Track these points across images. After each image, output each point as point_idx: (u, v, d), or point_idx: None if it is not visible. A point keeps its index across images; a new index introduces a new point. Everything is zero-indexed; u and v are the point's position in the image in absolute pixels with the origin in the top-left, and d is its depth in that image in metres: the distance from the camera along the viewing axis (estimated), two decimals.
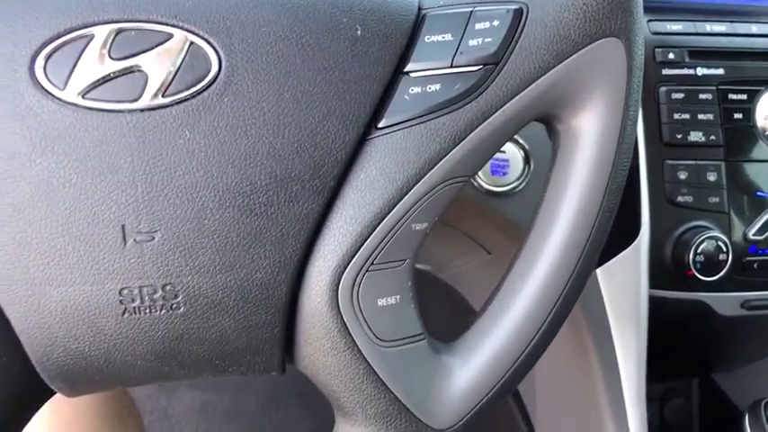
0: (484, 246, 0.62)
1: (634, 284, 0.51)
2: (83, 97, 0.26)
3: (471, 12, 0.29)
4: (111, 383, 0.30)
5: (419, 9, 0.29)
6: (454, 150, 0.29)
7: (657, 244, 0.51)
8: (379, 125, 0.28)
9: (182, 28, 0.26)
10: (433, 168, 0.28)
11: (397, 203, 0.28)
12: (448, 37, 0.29)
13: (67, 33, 0.26)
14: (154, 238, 0.26)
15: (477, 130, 0.29)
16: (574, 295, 0.31)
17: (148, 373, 0.29)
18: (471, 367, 0.30)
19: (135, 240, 0.26)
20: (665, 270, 0.52)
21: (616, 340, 0.52)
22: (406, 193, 0.28)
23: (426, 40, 0.29)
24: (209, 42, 0.26)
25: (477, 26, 0.29)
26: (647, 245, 0.51)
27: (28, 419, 0.30)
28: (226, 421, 1.18)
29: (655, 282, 0.51)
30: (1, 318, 0.26)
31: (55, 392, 0.30)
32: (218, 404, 1.19)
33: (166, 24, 0.26)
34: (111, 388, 0.31)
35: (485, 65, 0.28)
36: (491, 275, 0.65)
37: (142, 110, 0.26)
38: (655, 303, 0.51)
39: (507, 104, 0.29)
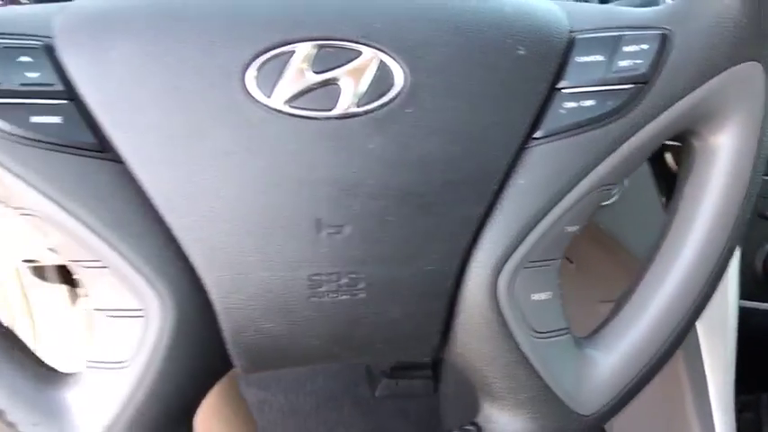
0: (566, 255, 0.65)
1: (723, 294, 0.53)
2: (287, 105, 0.29)
3: (621, 36, 0.32)
4: (286, 362, 0.33)
5: (569, 32, 0.32)
6: (605, 161, 0.31)
7: (748, 256, 0.53)
8: (536, 135, 0.31)
9: (373, 47, 0.30)
10: (585, 177, 0.31)
11: (552, 208, 0.31)
12: (599, 58, 0.32)
13: (275, 48, 0.29)
14: (343, 231, 0.30)
15: (626, 143, 0.31)
16: (708, 296, 0.34)
17: (320, 353, 0.32)
18: (613, 359, 0.33)
19: (327, 233, 0.30)
20: (756, 281, 0.54)
21: (704, 350, 0.53)
22: (561, 199, 0.31)
23: (578, 60, 0.32)
24: (395, 60, 0.30)
25: (626, 49, 0.32)
26: (737, 257, 0.53)
27: (205, 395, 0.33)
28: (281, 419, 1.21)
29: (744, 293, 0.53)
30: (205, 299, 0.30)
31: (229, 370, 0.33)
32: (273, 403, 1.22)
33: (360, 43, 0.29)
34: (283, 367, 0.34)
35: (635, 83, 0.31)
36: (570, 284, 0.68)
37: (337, 117, 0.29)
38: (743, 314, 0.53)
39: (654, 120, 0.32)
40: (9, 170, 0.28)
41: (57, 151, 0.28)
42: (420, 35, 0.30)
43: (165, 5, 0.30)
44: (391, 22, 0.30)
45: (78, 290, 1.01)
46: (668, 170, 0.54)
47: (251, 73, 0.29)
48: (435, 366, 1.18)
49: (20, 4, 0.39)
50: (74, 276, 1.06)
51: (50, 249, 0.30)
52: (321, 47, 0.29)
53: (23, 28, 0.29)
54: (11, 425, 0.29)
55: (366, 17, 0.30)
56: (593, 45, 0.32)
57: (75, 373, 0.31)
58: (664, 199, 0.66)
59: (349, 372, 1.21)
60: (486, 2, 0.32)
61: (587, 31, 0.32)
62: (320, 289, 0.30)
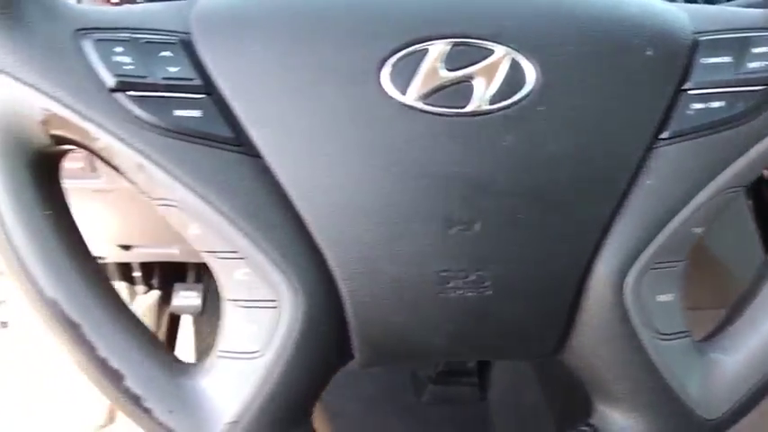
0: None
1: None
2: (421, 102, 0.29)
3: (748, 37, 0.32)
4: (406, 357, 0.33)
5: (693, 33, 0.32)
6: (734, 163, 0.31)
7: None
8: (663, 136, 0.31)
9: (505, 45, 0.30)
10: (714, 178, 0.31)
11: (680, 209, 0.31)
12: (726, 59, 0.31)
13: (410, 46, 0.29)
14: (473, 228, 0.30)
15: (755, 146, 0.31)
16: None
17: (440, 349, 0.32)
18: (737, 361, 0.33)
19: (457, 229, 0.30)
20: None
21: None
22: (689, 201, 0.31)
23: (703, 61, 0.32)
24: (527, 58, 0.30)
25: (755, 50, 0.31)
26: None
27: (324, 387, 0.33)
28: (325, 422, 1.21)
29: None
30: (335, 291, 0.30)
31: (346, 363, 0.34)
32: (318, 406, 1.22)
33: (492, 41, 0.30)
34: (401, 362, 0.34)
35: (766, 85, 0.31)
36: None
37: (470, 115, 0.29)
38: None
39: None
40: (153, 161, 0.29)
41: (197, 143, 0.29)
42: (551, 34, 0.30)
43: (301, 2, 0.30)
44: (523, 22, 0.30)
45: (136, 287, 1.03)
46: None
47: (386, 70, 0.29)
48: (482, 373, 1.17)
49: (135, 2, 0.40)
50: (133, 275, 1.08)
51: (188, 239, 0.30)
52: (454, 45, 0.30)
53: (161, 24, 0.30)
54: (147, 411, 0.30)
55: (498, 16, 0.30)
56: (719, 47, 0.32)
57: (206, 363, 0.32)
58: (750, 201, 0.65)
59: (394, 377, 1.21)
60: (613, 1, 0.32)
61: (711, 32, 0.32)
62: (448, 285, 0.30)
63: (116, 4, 0.40)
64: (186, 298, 0.95)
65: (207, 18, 0.31)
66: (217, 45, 0.30)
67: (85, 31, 0.29)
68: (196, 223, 0.29)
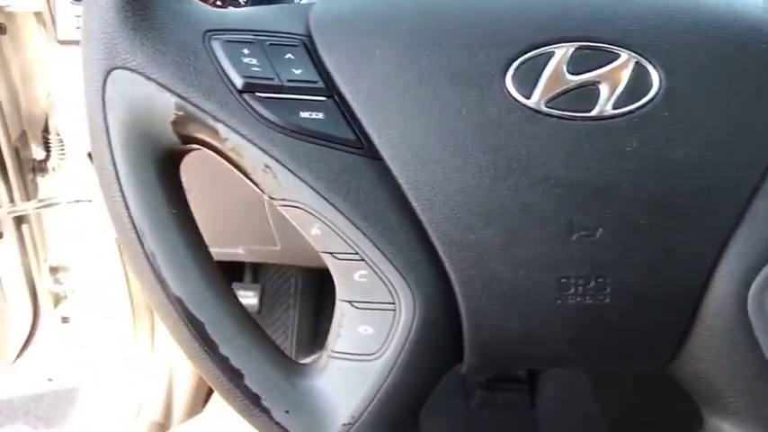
0: None
1: None
2: (545, 105, 0.29)
3: None
4: (517, 363, 0.33)
5: None
6: None
7: None
8: None
9: (630, 49, 0.29)
10: None
11: None
12: None
13: (534, 49, 0.29)
14: (595, 235, 0.29)
15: None
16: None
17: (553, 357, 0.32)
18: None
19: (579, 235, 0.29)
20: None
21: None
22: None
23: None
24: (652, 62, 0.29)
25: None
26: None
27: (432, 391, 0.33)
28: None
29: None
30: (451, 295, 0.30)
31: (454, 367, 0.33)
32: None
33: (618, 45, 0.29)
34: (511, 368, 0.34)
35: None
36: None
37: (594, 119, 0.29)
38: None
39: None
40: (280, 162, 0.29)
41: (321, 145, 0.29)
42: (676, 38, 0.30)
43: (423, 6, 0.31)
44: (647, 25, 0.30)
45: None
46: None
47: (511, 73, 0.29)
48: (532, 380, 1.16)
49: (239, 5, 0.41)
50: None
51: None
52: (579, 48, 0.29)
53: (283, 26, 0.31)
54: (265, 410, 0.30)
55: (622, 20, 0.30)
56: None
57: (320, 363, 0.32)
58: None
59: (444, 382, 1.21)
60: (738, 4, 0.31)
61: None
62: (567, 292, 0.30)
63: (220, 6, 0.40)
64: (244, 297, 0.96)
65: (325, 20, 0.31)
66: (336, 47, 0.30)
67: (214, 32, 0.29)
68: (318, 223, 0.30)
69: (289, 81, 0.29)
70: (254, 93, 0.29)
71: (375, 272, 0.30)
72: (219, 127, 0.29)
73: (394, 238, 0.30)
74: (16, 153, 0.94)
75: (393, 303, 0.30)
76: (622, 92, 0.29)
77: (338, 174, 0.29)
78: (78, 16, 0.56)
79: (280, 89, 0.29)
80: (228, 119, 0.29)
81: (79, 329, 1.06)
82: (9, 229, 0.93)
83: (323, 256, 0.31)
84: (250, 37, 0.30)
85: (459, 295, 0.30)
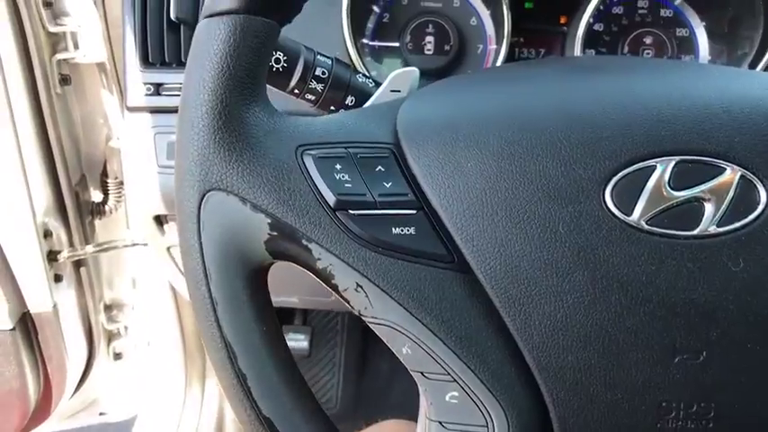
0: None
1: None
2: (646, 223, 0.28)
3: None
4: None
5: None
6: None
7: None
8: None
9: (734, 163, 0.28)
10: None
11: None
12: None
13: (634, 164, 0.28)
14: (699, 358, 0.28)
15: None
16: None
17: None
18: None
19: (682, 358, 0.28)
20: None
21: None
22: None
23: None
24: (758, 177, 0.28)
25: None
26: None
27: None
28: None
29: None
30: (546, 416, 0.29)
31: None
32: None
33: (721, 158, 0.28)
34: None
35: None
36: None
37: (699, 237, 0.28)
38: None
39: None
40: (372, 280, 0.29)
41: (412, 262, 0.29)
42: None
43: (517, 116, 0.30)
44: (752, 136, 0.29)
45: None
46: None
47: (609, 189, 0.28)
48: None
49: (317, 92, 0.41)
50: None
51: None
52: (681, 163, 0.28)
53: (371, 135, 0.30)
54: None
55: (725, 131, 0.29)
56: None
57: None
58: None
59: None
60: None
61: None
62: (668, 416, 0.29)
63: (297, 94, 0.40)
64: (295, 340, 0.96)
65: (412, 126, 0.31)
66: (425, 157, 0.30)
67: (306, 147, 0.29)
68: (409, 342, 0.29)
69: (380, 196, 0.29)
70: (347, 210, 0.29)
71: (467, 393, 0.29)
72: (313, 246, 0.29)
73: (487, 358, 0.29)
74: (76, 197, 0.97)
75: (486, 426, 0.29)
76: (728, 209, 0.28)
77: (429, 291, 0.29)
78: (147, 84, 0.57)
79: (372, 205, 0.29)
80: (322, 238, 0.28)
81: (132, 366, 1.08)
82: (68, 272, 0.95)
83: (413, 374, 0.30)
84: (341, 150, 0.29)
85: (554, 418, 0.29)
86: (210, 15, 0.28)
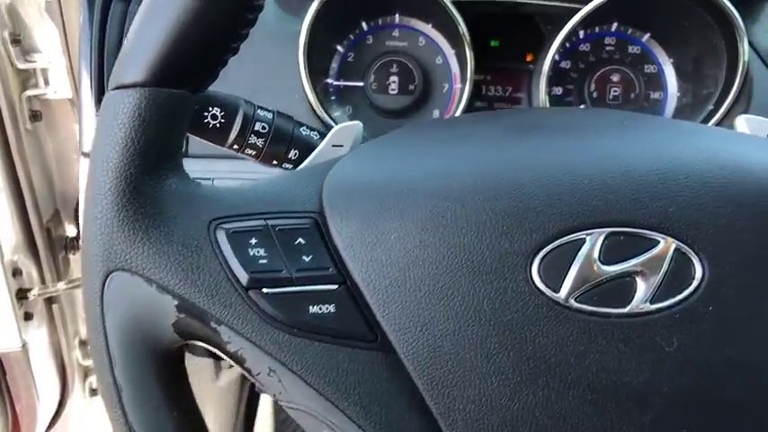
0: None
1: None
2: (575, 300, 0.27)
3: None
4: None
5: None
6: None
7: None
8: None
9: (668, 234, 0.27)
10: None
11: None
12: None
13: (562, 236, 0.27)
14: None
15: None
16: None
17: None
18: None
19: None
20: None
21: None
22: None
23: None
24: (694, 249, 0.27)
25: None
26: None
27: None
28: None
29: None
30: None
31: None
32: None
33: (654, 230, 0.27)
34: None
35: None
36: None
37: (630, 315, 0.27)
38: None
39: None
40: (286, 365, 0.27)
41: (330, 343, 0.27)
42: (720, 220, 0.27)
43: (444, 183, 0.29)
44: (687, 206, 0.27)
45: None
46: None
47: (536, 264, 0.27)
48: None
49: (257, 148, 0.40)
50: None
51: None
52: (612, 235, 0.27)
53: (294, 203, 0.29)
54: None
55: (660, 201, 0.27)
56: None
57: None
58: None
59: None
60: None
61: None
62: None
63: (237, 149, 0.39)
64: None
65: (338, 194, 0.29)
66: (348, 227, 0.28)
67: (221, 220, 0.28)
68: (326, 430, 0.27)
69: (298, 271, 0.28)
70: (260, 289, 0.27)
71: None
72: (222, 329, 0.27)
73: None
74: (48, 233, 0.96)
75: None
76: (661, 284, 0.27)
77: (349, 375, 0.27)
78: None
79: (288, 282, 0.27)
80: (232, 320, 0.27)
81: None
82: (39, 309, 0.94)
83: None
84: (259, 223, 0.28)
85: None
86: (116, 88, 0.27)
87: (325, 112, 0.59)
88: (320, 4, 0.57)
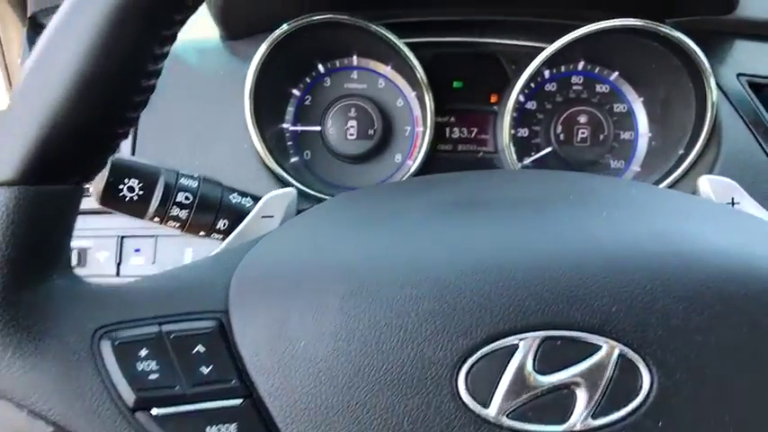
0: None
1: None
2: (507, 417, 0.23)
3: None
4: None
5: None
6: None
7: None
8: None
9: (611, 338, 0.24)
10: None
11: None
12: None
13: (492, 342, 0.24)
14: None
15: None
16: None
17: None
18: None
19: None
20: None
21: None
22: None
23: None
24: (640, 355, 0.24)
25: None
26: None
27: None
28: None
29: None
30: None
31: None
32: None
33: (595, 333, 0.24)
34: None
35: None
36: None
37: None
38: None
39: None
40: None
41: None
42: (670, 321, 0.24)
43: (362, 279, 0.25)
44: (633, 305, 0.24)
45: None
46: None
47: (463, 375, 0.24)
48: None
49: (181, 220, 0.37)
50: None
51: None
52: (548, 340, 0.24)
53: (195, 302, 0.26)
54: None
55: (601, 299, 0.24)
56: None
57: None
58: None
59: None
60: (747, 263, 0.25)
61: None
62: None
63: (159, 222, 0.36)
64: None
65: (245, 291, 0.26)
66: (255, 332, 0.25)
67: (107, 328, 0.25)
68: None
69: (195, 386, 0.24)
70: (148, 410, 0.24)
71: None
72: None
73: None
74: None
75: None
76: (604, 396, 0.23)
77: None
78: None
79: (182, 399, 0.24)
80: None
81: None
82: None
83: None
84: (151, 330, 0.25)
85: None
86: None
87: (278, 159, 0.56)
88: (269, 47, 0.55)
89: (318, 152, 0.62)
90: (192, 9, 0.24)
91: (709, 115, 0.52)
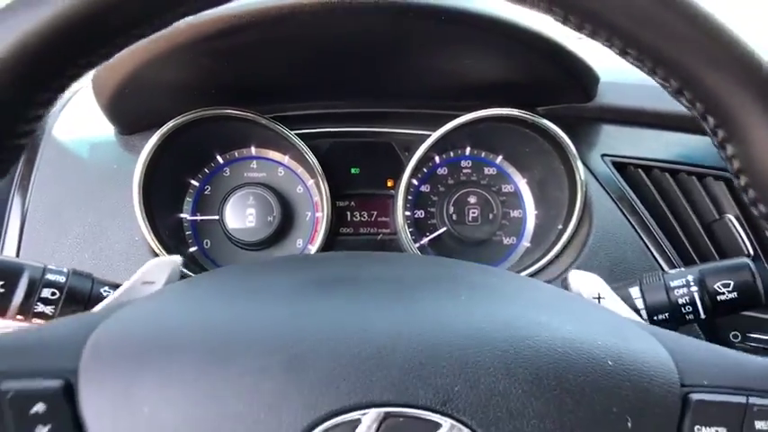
0: None
1: None
2: None
3: (746, 405, 0.26)
4: None
5: (681, 386, 0.27)
6: None
7: None
8: None
9: (452, 417, 0.24)
10: None
11: None
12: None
13: (335, 416, 0.24)
14: None
15: None
16: None
17: None
18: None
19: None
20: None
21: None
22: None
23: (696, 430, 0.26)
24: None
25: (758, 425, 0.26)
26: None
27: None
28: None
29: None
30: None
31: None
32: None
33: (436, 411, 0.24)
34: None
35: None
36: None
37: None
38: None
39: None
40: None
41: None
42: (508, 403, 0.25)
43: (207, 349, 0.25)
44: (475, 384, 0.25)
45: None
46: None
47: None
48: None
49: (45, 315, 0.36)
50: None
51: None
52: (390, 417, 0.24)
53: (44, 360, 0.25)
54: None
55: (445, 377, 0.25)
56: (714, 413, 0.26)
57: None
58: None
59: None
60: (588, 352, 0.27)
61: (704, 388, 0.27)
62: None
63: (23, 319, 0.35)
64: None
65: (99, 354, 0.25)
66: (101, 395, 0.24)
67: None
68: None
69: None
70: None
71: None
72: None
73: None
74: None
75: None
76: None
77: None
78: None
79: None
80: None
81: None
82: None
83: None
84: None
85: None
86: None
87: (173, 249, 0.55)
88: (159, 141, 0.56)
89: (218, 241, 0.62)
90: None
91: (579, 194, 0.56)
